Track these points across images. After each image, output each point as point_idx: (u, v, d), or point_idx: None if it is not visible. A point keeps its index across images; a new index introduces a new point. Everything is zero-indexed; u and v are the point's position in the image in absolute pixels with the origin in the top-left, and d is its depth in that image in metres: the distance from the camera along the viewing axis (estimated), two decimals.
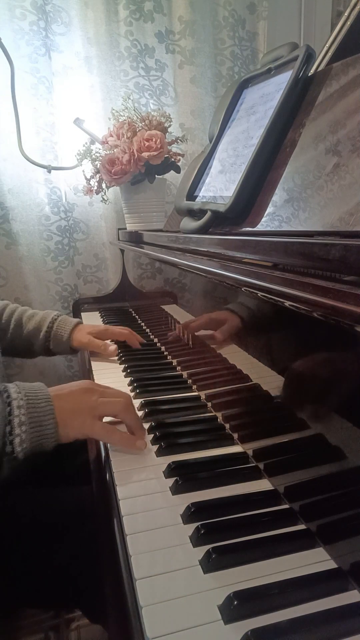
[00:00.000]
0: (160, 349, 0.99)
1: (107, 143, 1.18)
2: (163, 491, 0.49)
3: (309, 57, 0.64)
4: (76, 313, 1.45)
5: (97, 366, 0.91)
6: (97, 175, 1.23)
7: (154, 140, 1.10)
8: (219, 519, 0.44)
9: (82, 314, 1.41)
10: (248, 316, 0.57)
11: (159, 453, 0.57)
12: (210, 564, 0.38)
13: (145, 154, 1.10)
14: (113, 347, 0.94)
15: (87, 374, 0.90)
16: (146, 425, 0.63)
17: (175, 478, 0.50)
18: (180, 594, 0.36)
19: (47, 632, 1.00)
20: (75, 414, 0.56)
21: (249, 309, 0.56)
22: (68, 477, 0.73)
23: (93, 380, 0.84)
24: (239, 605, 0.34)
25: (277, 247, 0.45)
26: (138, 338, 0.99)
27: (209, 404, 0.69)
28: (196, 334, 0.77)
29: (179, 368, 0.86)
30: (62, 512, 0.64)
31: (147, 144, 1.10)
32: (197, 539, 0.41)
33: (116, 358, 0.95)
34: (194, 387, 0.76)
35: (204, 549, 0.40)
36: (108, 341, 0.97)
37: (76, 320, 0.99)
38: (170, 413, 0.67)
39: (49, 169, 1.36)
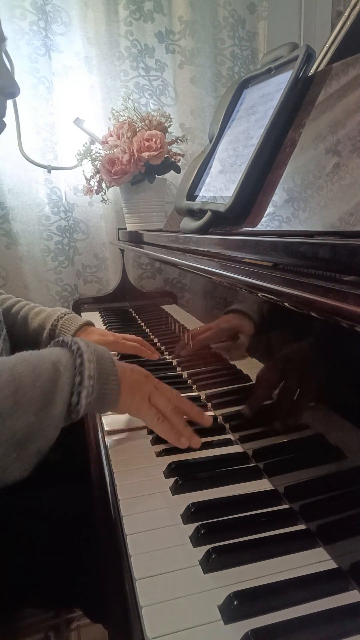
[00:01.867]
0: (161, 349, 0.99)
1: (107, 143, 1.18)
2: (163, 491, 0.49)
3: (309, 57, 0.64)
4: (76, 313, 1.44)
5: None
6: (97, 175, 1.23)
7: (154, 140, 1.10)
8: (219, 519, 0.44)
9: (82, 314, 1.41)
10: (248, 317, 0.57)
11: (159, 453, 0.57)
12: (211, 564, 0.38)
13: (145, 154, 1.10)
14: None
15: None
16: (146, 426, 0.63)
17: (175, 478, 0.50)
18: (180, 594, 0.36)
19: (47, 632, 1.00)
20: (135, 390, 0.57)
21: (249, 310, 0.56)
22: (68, 477, 0.72)
23: None
24: (239, 605, 0.34)
25: (277, 247, 0.45)
26: (151, 349, 0.90)
27: (209, 404, 0.69)
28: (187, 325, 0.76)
29: (179, 368, 0.86)
30: (62, 512, 0.64)
31: (147, 144, 1.10)
32: (197, 539, 0.41)
33: (116, 358, 0.94)
34: (194, 387, 0.76)
35: (204, 549, 0.40)
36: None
37: (83, 321, 0.88)
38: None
39: (49, 169, 1.36)
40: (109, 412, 0.61)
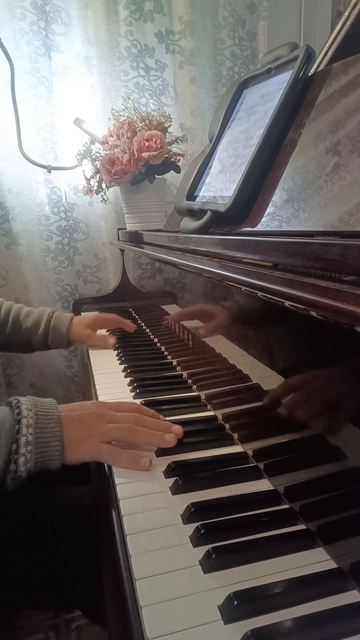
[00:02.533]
0: (160, 349, 0.99)
1: (107, 143, 1.18)
2: (163, 491, 0.49)
3: (309, 57, 0.64)
4: (76, 313, 1.45)
5: (97, 366, 0.91)
6: (97, 175, 1.23)
7: (154, 140, 1.10)
8: (219, 519, 0.44)
9: (82, 314, 1.41)
10: (248, 316, 0.57)
11: (159, 453, 0.57)
12: (210, 564, 0.38)
13: (145, 154, 1.10)
14: (112, 339, 1.03)
15: (87, 374, 0.90)
16: None
17: (175, 478, 0.50)
18: (180, 594, 0.36)
19: (47, 632, 1.00)
20: (83, 439, 0.55)
21: (249, 310, 0.56)
22: (68, 477, 0.72)
23: (93, 381, 0.84)
24: (239, 605, 0.34)
25: (277, 247, 0.45)
26: (126, 322, 1.09)
27: (209, 404, 0.69)
28: (186, 324, 0.78)
29: (179, 368, 0.86)
30: (62, 512, 0.64)
31: (147, 144, 1.10)
32: (197, 539, 0.41)
33: (116, 358, 0.95)
34: (194, 387, 0.76)
35: (204, 549, 0.40)
36: (105, 332, 1.08)
37: (70, 315, 1.04)
38: (170, 413, 0.67)
39: (49, 169, 1.36)
40: None
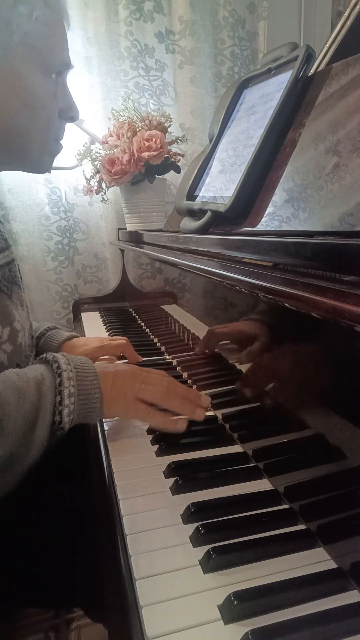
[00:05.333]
0: (161, 349, 0.99)
1: (107, 143, 1.18)
2: (163, 491, 0.49)
3: (309, 57, 0.64)
4: (76, 313, 1.45)
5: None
6: (97, 175, 1.23)
7: (154, 140, 1.10)
8: (218, 519, 0.44)
9: (82, 314, 1.41)
10: (248, 316, 0.57)
11: (159, 453, 0.57)
12: (210, 564, 0.38)
13: (145, 154, 1.10)
14: None
15: None
16: (145, 426, 0.63)
17: (175, 478, 0.50)
18: (180, 594, 0.36)
19: (47, 632, 1.00)
20: (120, 394, 0.57)
21: (249, 310, 0.56)
22: (68, 476, 0.72)
23: None
24: (239, 605, 0.34)
25: (277, 247, 0.45)
26: (134, 354, 0.88)
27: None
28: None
29: (179, 368, 0.86)
30: (62, 512, 0.64)
31: (147, 144, 1.10)
32: (197, 539, 0.41)
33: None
34: (194, 387, 0.76)
35: (204, 549, 0.40)
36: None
37: (66, 335, 0.86)
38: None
39: None
40: None
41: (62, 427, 0.53)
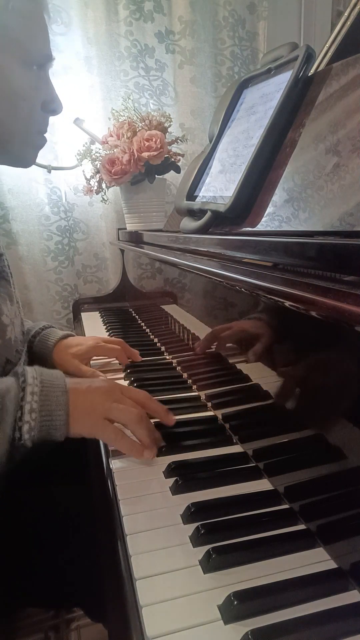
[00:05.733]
0: (161, 349, 0.99)
1: (107, 143, 1.18)
2: (163, 491, 0.49)
3: (309, 57, 0.64)
4: (76, 313, 1.45)
5: (97, 367, 0.91)
6: (97, 175, 1.23)
7: (154, 140, 1.10)
8: (219, 519, 0.44)
9: (82, 314, 1.41)
10: (248, 316, 0.57)
11: (159, 453, 0.57)
12: (210, 564, 0.38)
13: (145, 154, 1.10)
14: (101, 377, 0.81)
15: None
16: None
17: (175, 478, 0.50)
18: (180, 594, 0.36)
19: (47, 632, 1.00)
20: (88, 413, 0.55)
21: (249, 310, 0.56)
22: (68, 476, 0.72)
23: None
24: (239, 605, 0.34)
25: (277, 247, 0.45)
26: (131, 352, 0.88)
27: (209, 404, 0.69)
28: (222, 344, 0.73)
29: (179, 368, 0.86)
30: (62, 512, 0.64)
31: (147, 144, 1.10)
32: (197, 539, 0.41)
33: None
34: (194, 387, 0.76)
35: (204, 549, 0.40)
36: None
37: (62, 334, 0.85)
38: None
39: (49, 169, 1.36)
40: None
41: (23, 444, 0.51)
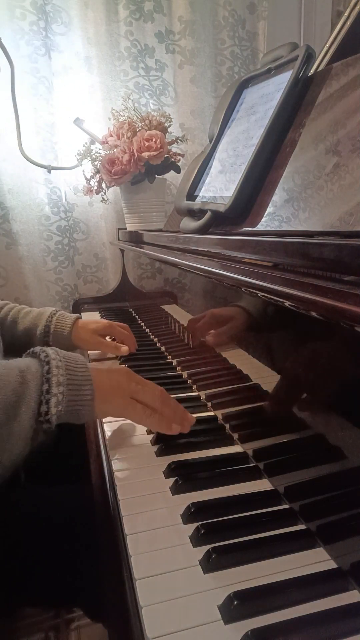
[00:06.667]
0: (161, 349, 0.99)
1: (107, 143, 1.18)
2: (163, 491, 0.49)
3: (309, 57, 0.64)
4: (76, 313, 1.45)
5: (94, 360, 0.91)
6: (97, 175, 1.23)
7: (154, 140, 1.10)
8: (219, 519, 0.44)
9: (82, 314, 1.41)
10: (248, 316, 0.57)
11: (159, 453, 0.57)
12: (210, 564, 0.38)
13: (145, 154, 1.10)
14: (125, 347, 0.90)
15: None
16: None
17: (175, 478, 0.50)
18: (180, 594, 0.36)
19: (47, 632, 1.00)
20: (115, 392, 0.55)
21: (249, 309, 0.56)
22: (68, 476, 0.72)
23: None
24: (239, 605, 0.34)
25: (277, 247, 0.45)
26: (133, 343, 0.94)
27: (209, 404, 0.69)
28: (200, 332, 0.76)
29: (179, 368, 0.86)
30: (62, 511, 0.64)
31: (147, 144, 1.10)
32: (197, 539, 0.41)
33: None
34: (194, 387, 0.76)
35: (204, 549, 0.40)
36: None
37: (75, 315, 0.93)
38: None
39: (49, 169, 1.36)
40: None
41: (49, 420, 0.49)
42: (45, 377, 0.50)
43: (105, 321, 0.94)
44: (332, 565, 0.38)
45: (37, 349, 0.54)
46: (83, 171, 1.26)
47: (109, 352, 0.91)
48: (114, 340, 0.94)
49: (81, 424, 0.53)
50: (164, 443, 0.58)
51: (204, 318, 0.73)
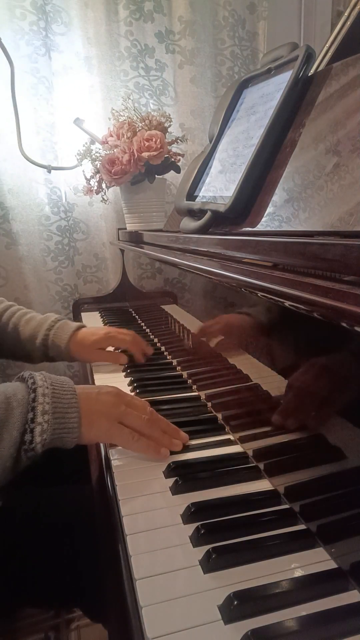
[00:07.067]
0: (161, 349, 0.99)
1: (107, 143, 1.18)
2: (163, 491, 0.49)
3: (309, 57, 0.64)
4: (76, 313, 1.45)
5: (97, 366, 0.91)
6: (97, 175, 1.23)
7: (154, 140, 1.10)
8: (219, 519, 0.44)
9: (82, 314, 1.41)
10: (248, 317, 0.57)
11: None
12: (210, 564, 0.38)
13: (145, 154, 1.10)
14: (123, 357, 0.88)
15: (87, 373, 0.90)
16: None
17: (175, 478, 0.50)
18: (180, 594, 0.36)
19: (47, 632, 1.00)
20: (102, 416, 0.54)
21: (250, 310, 0.56)
22: (68, 476, 0.73)
23: (93, 381, 0.84)
24: (239, 605, 0.34)
25: (277, 247, 0.45)
26: (142, 345, 0.91)
27: (209, 404, 0.69)
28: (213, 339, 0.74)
29: (179, 368, 0.86)
30: (62, 512, 0.64)
31: (147, 144, 1.10)
32: (197, 539, 0.41)
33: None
34: (194, 387, 0.76)
35: (204, 549, 0.40)
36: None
37: (75, 325, 0.88)
38: (170, 413, 0.67)
39: (49, 169, 1.36)
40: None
41: (33, 448, 0.49)
42: (30, 406, 0.50)
43: (105, 331, 0.89)
44: (332, 565, 0.38)
45: (26, 374, 0.54)
46: (83, 171, 1.26)
47: (109, 362, 0.89)
48: (117, 349, 0.90)
49: (68, 449, 0.53)
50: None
51: (218, 325, 0.70)
